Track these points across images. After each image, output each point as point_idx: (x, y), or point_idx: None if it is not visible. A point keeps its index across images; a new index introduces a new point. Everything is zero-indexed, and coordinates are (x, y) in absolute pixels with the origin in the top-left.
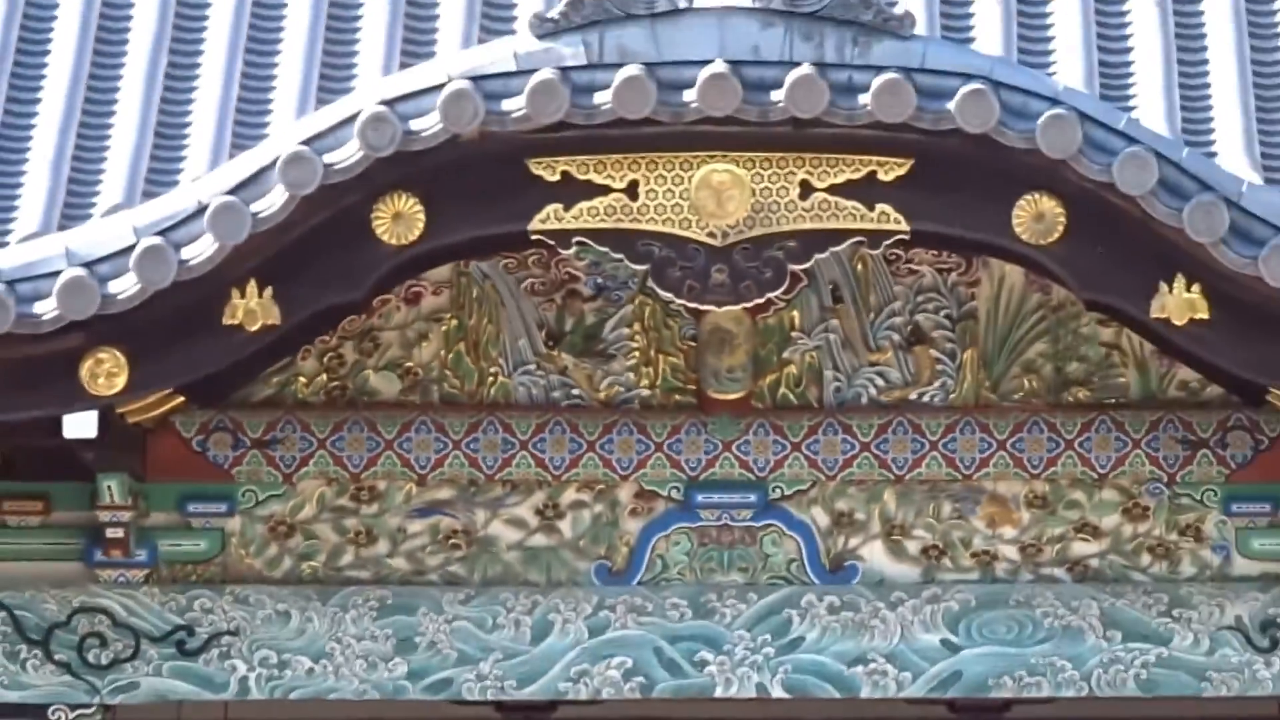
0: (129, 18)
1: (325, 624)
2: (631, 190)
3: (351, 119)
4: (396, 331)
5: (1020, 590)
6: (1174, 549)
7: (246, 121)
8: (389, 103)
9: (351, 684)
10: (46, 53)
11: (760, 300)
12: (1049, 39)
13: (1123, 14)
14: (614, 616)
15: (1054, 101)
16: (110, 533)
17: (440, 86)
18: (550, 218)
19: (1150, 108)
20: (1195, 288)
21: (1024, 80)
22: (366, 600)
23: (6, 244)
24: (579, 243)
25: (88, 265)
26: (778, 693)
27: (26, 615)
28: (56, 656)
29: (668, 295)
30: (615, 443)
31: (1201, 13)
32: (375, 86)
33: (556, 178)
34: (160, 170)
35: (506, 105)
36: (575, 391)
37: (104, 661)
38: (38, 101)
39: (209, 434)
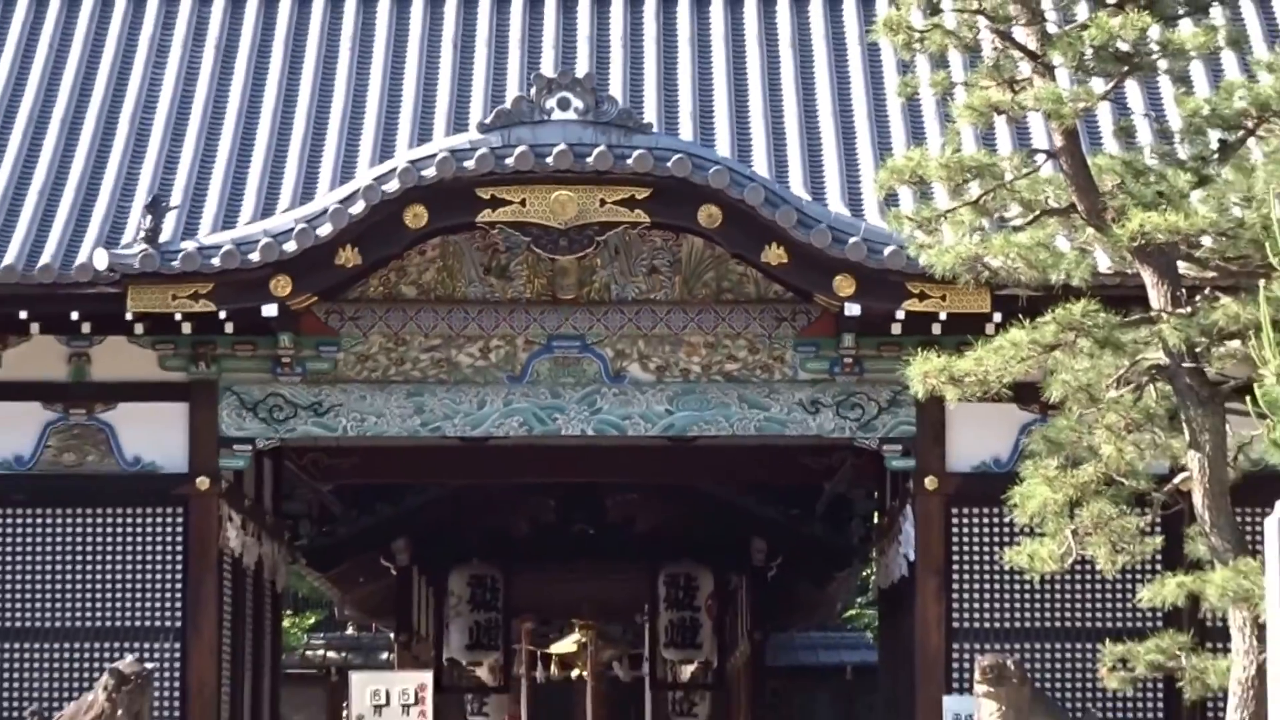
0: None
1: (382, 400)
2: (523, 203)
3: (392, 171)
4: (415, 266)
5: (702, 386)
6: (772, 366)
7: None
8: (411, 161)
9: (396, 429)
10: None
11: (582, 253)
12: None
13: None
14: (513, 398)
15: (717, 162)
16: (283, 358)
17: (434, 156)
18: (486, 215)
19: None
20: (780, 248)
21: (705, 151)
22: (399, 390)
23: (237, 229)
24: (498, 226)
25: (273, 237)
26: (590, 431)
27: (246, 396)
28: (260, 415)
29: (539, 250)
30: (515, 317)
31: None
32: (403, 155)
33: (488, 196)
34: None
35: (466, 163)
36: (495, 295)
37: (280, 418)
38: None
39: (328, 313)
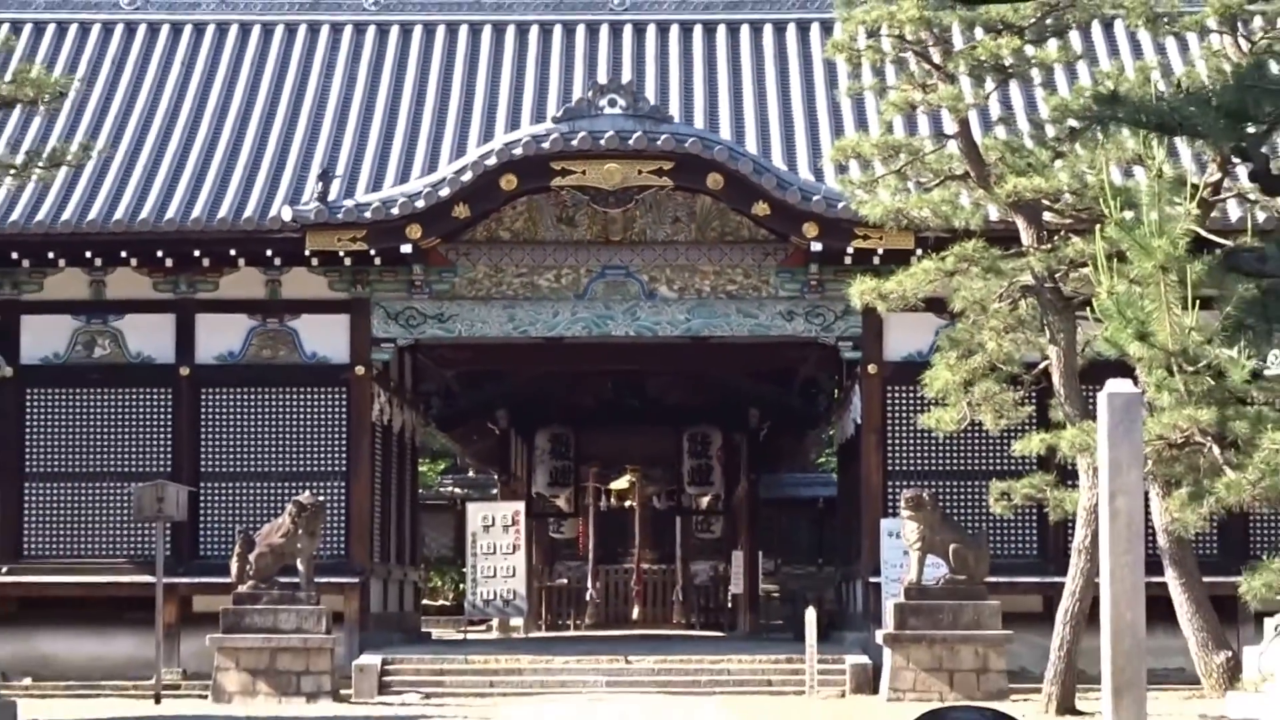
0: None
1: (485, 311)
2: (584, 173)
3: (491, 150)
4: (508, 216)
5: (710, 301)
6: (760, 287)
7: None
8: (506, 143)
9: (496, 331)
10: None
11: (625, 207)
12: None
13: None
14: (578, 310)
15: (721, 144)
16: (415, 281)
17: (520, 139)
18: (558, 180)
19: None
20: (765, 204)
21: (711, 135)
22: (498, 303)
23: (383, 191)
24: (566, 189)
25: (408, 197)
26: (632, 333)
27: (390, 309)
28: (399, 322)
29: (595, 205)
30: (579, 252)
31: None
32: (499, 139)
33: (559, 168)
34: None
35: (543, 145)
36: (564, 237)
37: (414, 324)
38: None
39: (447, 250)
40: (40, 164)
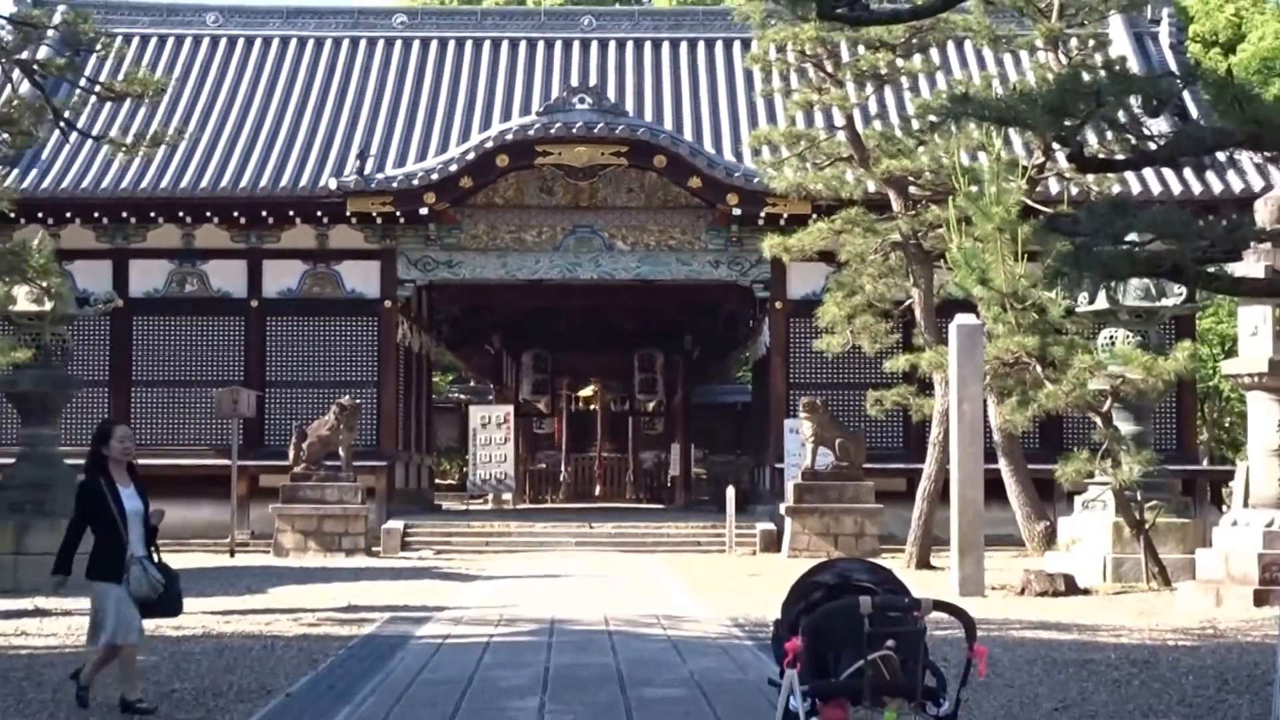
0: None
1: (484, 259)
2: (559, 154)
3: (489, 136)
4: (501, 186)
5: (655, 253)
6: (694, 242)
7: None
8: (500, 131)
9: (492, 275)
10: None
11: (591, 180)
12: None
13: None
14: (555, 258)
15: (664, 133)
16: (430, 236)
17: (511, 128)
18: (540, 160)
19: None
20: (697, 179)
21: (657, 126)
22: (494, 253)
23: (406, 167)
24: (547, 166)
25: (426, 171)
26: (596, 277)
27: (411, 256)
28: (418, 266)
29: (569, 179)
30: (556, 214)
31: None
32: (493, 128)
33: (541, 150)
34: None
35: (529, 132)
36: (545, 203)
37: (430, 268)
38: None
39: (455, 212)
40: (145, 144)
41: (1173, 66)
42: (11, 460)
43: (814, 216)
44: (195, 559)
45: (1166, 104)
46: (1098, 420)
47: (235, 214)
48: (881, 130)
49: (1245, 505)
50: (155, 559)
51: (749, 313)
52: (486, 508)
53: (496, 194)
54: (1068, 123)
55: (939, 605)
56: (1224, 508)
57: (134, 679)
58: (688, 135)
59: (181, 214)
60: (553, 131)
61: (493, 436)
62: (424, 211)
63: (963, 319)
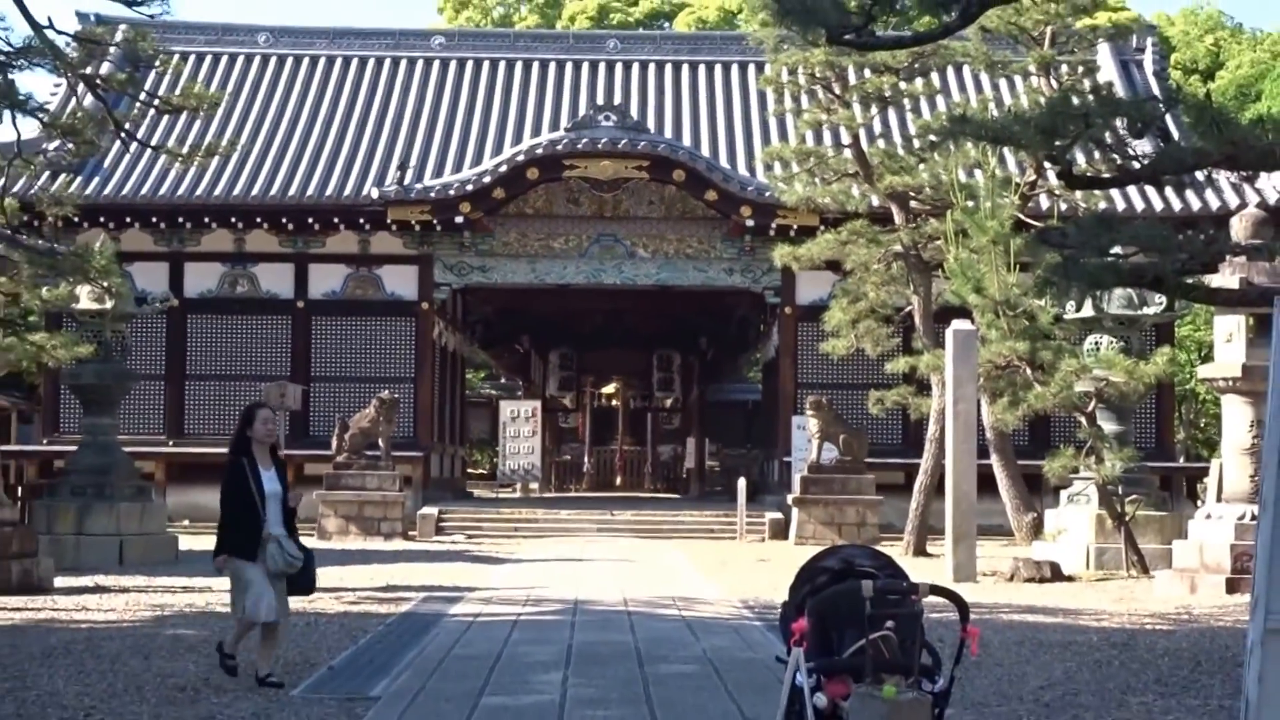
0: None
1: (515, 265)
2: (586, 168)
3: (520, 150)
4: (532, 197)
5: (674, 260)
6: (710, 250)
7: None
8: (530, 145)
9: (522, 279)
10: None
11: (615, 192)
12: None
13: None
14: (581, 264)
15: (684, 149)
16: (465, 243)
17: (541, 142)
18: (568, 173)
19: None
20: (714, 192)
21: (677, 143)
22: (524, 259)
23: (443, 178)
24: (574, 178)
25: (461, 183)
26: (619, 282)
27: (447, 261)
28: (454, 271)
29: (595, 191)
30: (582, 223)
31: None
32: (524, 143)
33: (569, 164)
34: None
35: (558, 147)
36: (572, 213)
37: (465, 273)
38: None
39: (489, 220)
40: (200, 154)
41: (1156, 91)
42: (74, 448)
43: (822, 228)
44: None
45: (1150, 126)
46: (1083, 420)
47: (283, 220)
48: (885, 148)
49: (1219, 500)
50: (294, 539)
51: (760, 317)
52: (515, 496)
53: (527, 204)
54: (1058, 143)
55: (935, 589)
56: (1199, 502)
57: (270, 654)
58: (705, 151)
59: (233, 220)
60: (580, 146)
61: (521, 430)
62: (459, 220)
63: (959, 325)
